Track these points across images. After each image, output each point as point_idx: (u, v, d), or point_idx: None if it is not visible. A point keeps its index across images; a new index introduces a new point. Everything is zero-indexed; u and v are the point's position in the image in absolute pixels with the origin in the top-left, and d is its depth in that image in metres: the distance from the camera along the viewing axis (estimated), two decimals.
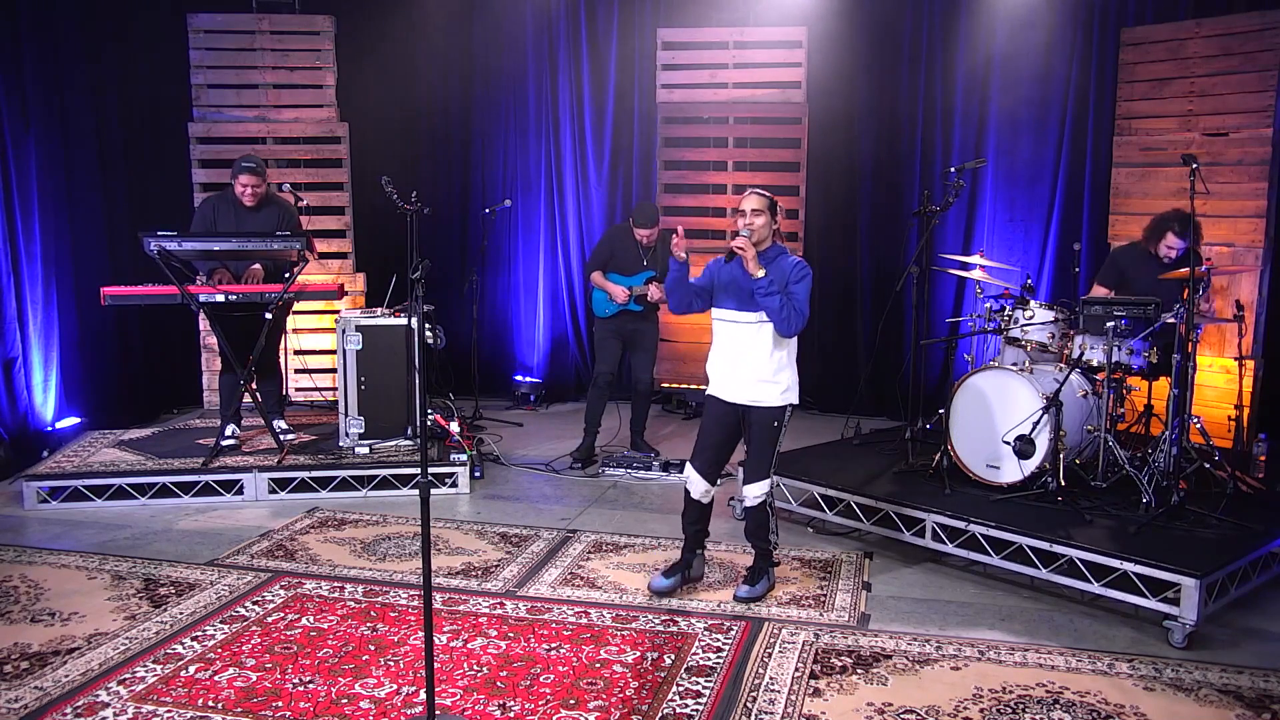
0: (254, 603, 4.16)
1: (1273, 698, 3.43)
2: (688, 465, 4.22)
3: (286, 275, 5.71)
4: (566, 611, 4.09)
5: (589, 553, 4.80)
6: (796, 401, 4.15)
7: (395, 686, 3.46)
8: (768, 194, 4.06)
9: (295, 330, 7.02)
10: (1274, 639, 3.91)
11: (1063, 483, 4.67)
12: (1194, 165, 4.55)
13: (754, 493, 4.15)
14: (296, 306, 6.71)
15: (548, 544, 4.90)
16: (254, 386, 5.85)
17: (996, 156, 7.34)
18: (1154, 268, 5.23)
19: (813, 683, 3.51)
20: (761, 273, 3.89)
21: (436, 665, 3.39)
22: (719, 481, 5.94)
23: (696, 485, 4.19)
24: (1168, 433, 4.65)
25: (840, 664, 3.65)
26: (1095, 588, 4.06)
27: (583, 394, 7.25)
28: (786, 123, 7.69)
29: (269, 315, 5.60)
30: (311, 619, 4.00)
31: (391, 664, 3.62)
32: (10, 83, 6.16)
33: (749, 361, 4.04)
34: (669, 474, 6.03)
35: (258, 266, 5.85)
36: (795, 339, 4.08)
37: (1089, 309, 4.93)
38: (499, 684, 3.48)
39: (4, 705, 3.31)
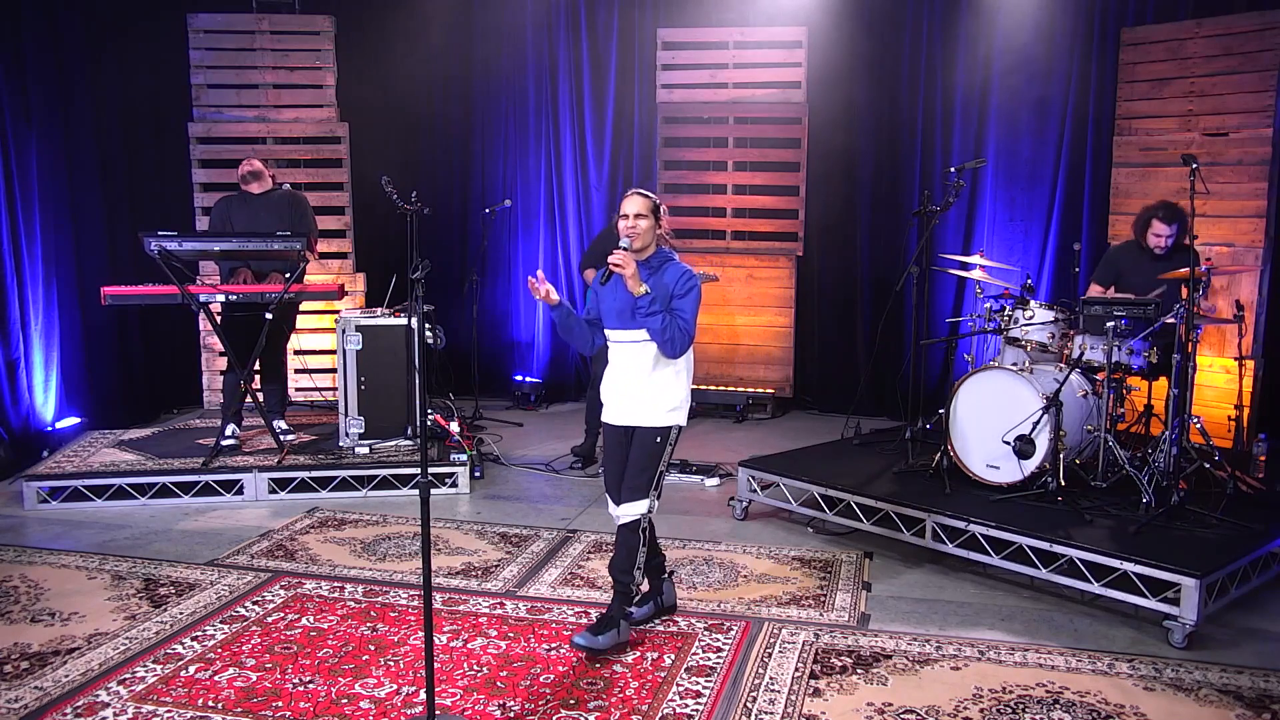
0: (254, 603, 4.16)
1: (1273, 698, 3.43)
2: (608, 500, 3.85)
3: (287, 275, 5.73)
4: (566, 611, 4.09)
5: (589, 553, 4.80)
6: (684, 423, 3.76)
7: (395, 686, 3.46)
8: (651, 195, 3.73)
9: (295, 330, 7.02)
10: (1274, 639, 3.91)
11: (1063, 483, 4.67)
12: (1194, 165, 4.55)
13: (628, 511, 3.71)
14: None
15: (548, 544, 4.90)
16: (255, 386, 5.86)
17: (996, 156, 7.34)
18: (1151, 266, 5.23)
19: (813, 683, 3.51)
20: (643, 290, 3.56)
21: (436, 665, 3.39)
22: (719, 481, 5.95)
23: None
24: (1168, 433, 4.65)
25: (840, 664, 3.65)
26: (1095, 588, 4.06)
27: (583, 394, 7.25)
28: (786, 123, 7.69)
29: (269, 315, 5.61)
30: (311, 619, 4.00)
31: (391, 664, 3.63)
32: (13, 83, 6.17)
33: (635, 382, 3.70)
34: (669, 474, 6.02)
35: (276, 274, 5.90)
36: (688, 356, 3.74)
37: (1089, 309, 4.93)
38: (499, 684, 3.49)
39: (4, 705, 3.31)
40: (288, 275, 5.74)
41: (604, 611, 3.82)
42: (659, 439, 3.71)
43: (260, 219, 5.93)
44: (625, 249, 3.59)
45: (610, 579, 3.80)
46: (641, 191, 3.73)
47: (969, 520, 4.44)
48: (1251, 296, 6.08)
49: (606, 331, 3.80)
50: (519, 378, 8.30)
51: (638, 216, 3.65)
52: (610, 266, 3.58)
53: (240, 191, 6.10)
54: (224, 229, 5.93)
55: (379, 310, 6.10)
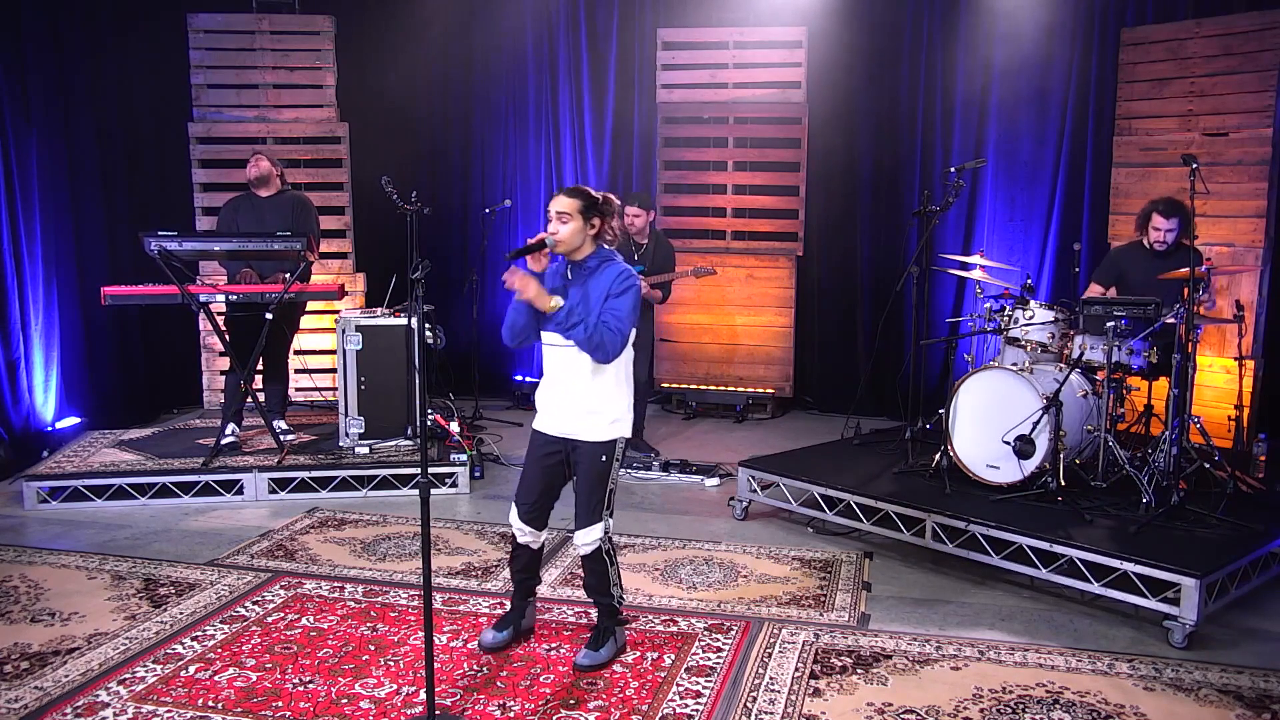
0: (254, 603, 4.16)
1: (1273, 698, 3.43)
2: (512, 508, 3.68)
3: (286, 275, 5.73)
4: (566, 611, 4.09)
5: None
6: (629, 434, 3.58)
7: (395, 686, 3.46)
8: (584, 192, 3.45)
9: (298, 331, 7.02)
10: (1274, 639, 3.92)
11: (1063, 483, 4.67)
12: (1194, 165, 4.55)
13: (586, 539, 3.55)
14: None
15: (548, 544, 4.89)
16: (255, 386, 5.86)
17: (996, 156, 7.34)
18: (1153, 266, 5.23)
19: (813, 683, 3.51)
20: (553, 304, 3.40)
21: (436, 665, 3.39)
22: (719, 481, 5.92)
23: (523, 532, 3.66)
24: (1168, 433, 4.65)
25: (840, 664, 3.65)
26: (1095, 588, 4.06)
27: None
28: (786, 123, 7.69)
29: (269, 315, 5.61)
30: (311, 619, 4.00)
31: (391, 664, 3.63)
32: (14, 83, 6.17)
33: (573, 390, 3.49)
34: (669, 474, 6.03)
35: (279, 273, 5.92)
36: (627, 363, 3.55)
37: (1089, 309, 4.93)
38: (499, 684, 3.49)
39: (4, 705, 3.31)
40: (287, 275, 5.74)
41: (593, 627, 3.76)
42: (604, 458, 3.52)
43: (265, 221, 5.93)
44: (549, 248, 3.38)
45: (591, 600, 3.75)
46: (570, 189, 3.47)
47: (969, 520, 4.44)
48: (1251, 296, 6.08)
49: (545, 335, 3.53)
50: (519, 377, 8.30)
51: (560, 216, 3.41)
52: (506, 283, 3.35)
53: (249, 193, 6.11)
54: (230, 231, 5.94)
55: (379, 310, 6.10)
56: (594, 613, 3.93)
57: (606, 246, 3.55)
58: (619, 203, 3.57)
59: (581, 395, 3.50)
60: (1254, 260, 6.10)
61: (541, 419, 3.60)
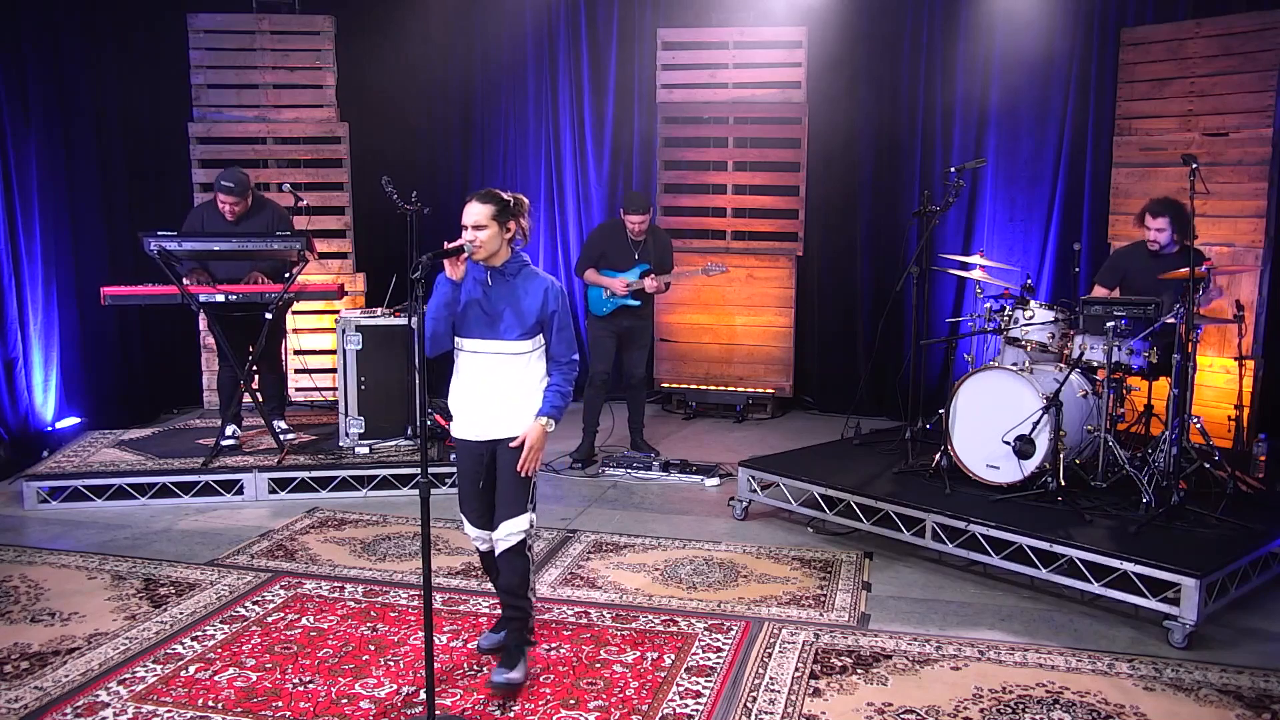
0: (254, 603, 4.16)
1: (1273, 698, 3.43)
2: (464, 523, 3.60)
3: (286, 275, 5.72)
4: (566, 611, 4.09)
5: (589, 553, 4.80)
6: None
7: (395, 686, 3.46)
8: (495, 197, 3.38)
9: (295, 330, 7.02)
10: (1274, 639, 3.92)
11: (1063, 483, 4.67)
12: (1194, 165, 4.55)
13: (512, 529, 3.45)
14: (296, 306, 6.71)
15: (548, 544, 4.90)
16: (254, 386, 5.86)
17: (996, 156, 7.33)
18: (1154, 267, 5.23)
19: (813, 683, 3.51)
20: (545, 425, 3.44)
21: (436, 665, 3.39)
22: (719, 481, 5.92)
23: (484, 540, 3.57)
24: (1168, 433, 4.65)
25: (840, 664, 3.65)
26: (1095, 588, 4.06)
27: (581, 394, 7.24)
28: (786, 123, 7.69)
29: (269, 315, 5.61)
30: (311, 619, 4.00)
31: (391, 664, 3.63)
32: (13, 83, 6.17)
33: (498, 391, 3.45)
34: (669, 474, 6.03)
35: (256, 274, 5.85)
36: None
37: (1089, 309, 4.93)
38: None
39: (4, 705, 3.31)
40: (286, 276, 5.72)
41: (504, 646, 3.57)
42: None
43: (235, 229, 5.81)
44: (468, 254, 3.34)
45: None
46: (483, 195, 3.38)
47: (969, 520, 4.44)
48: (1251, 296, 6.08)
49: (464, 340, 3.46)
50: None
51: (476, 227, 3.33)
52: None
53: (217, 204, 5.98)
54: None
55: (379, 310, 6.10)
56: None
57: (520, 245, 3.50)
58: (528, 202, 3.54)
59: (506, 396, 3.46)
60: (1254, 260, 6.10)
61: (465, 425, 3.52)
